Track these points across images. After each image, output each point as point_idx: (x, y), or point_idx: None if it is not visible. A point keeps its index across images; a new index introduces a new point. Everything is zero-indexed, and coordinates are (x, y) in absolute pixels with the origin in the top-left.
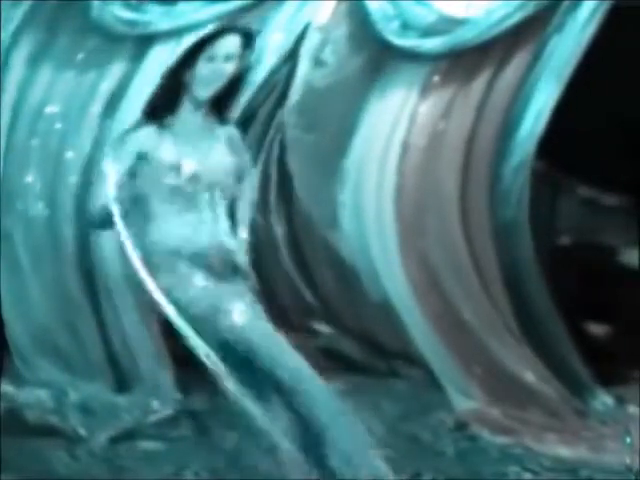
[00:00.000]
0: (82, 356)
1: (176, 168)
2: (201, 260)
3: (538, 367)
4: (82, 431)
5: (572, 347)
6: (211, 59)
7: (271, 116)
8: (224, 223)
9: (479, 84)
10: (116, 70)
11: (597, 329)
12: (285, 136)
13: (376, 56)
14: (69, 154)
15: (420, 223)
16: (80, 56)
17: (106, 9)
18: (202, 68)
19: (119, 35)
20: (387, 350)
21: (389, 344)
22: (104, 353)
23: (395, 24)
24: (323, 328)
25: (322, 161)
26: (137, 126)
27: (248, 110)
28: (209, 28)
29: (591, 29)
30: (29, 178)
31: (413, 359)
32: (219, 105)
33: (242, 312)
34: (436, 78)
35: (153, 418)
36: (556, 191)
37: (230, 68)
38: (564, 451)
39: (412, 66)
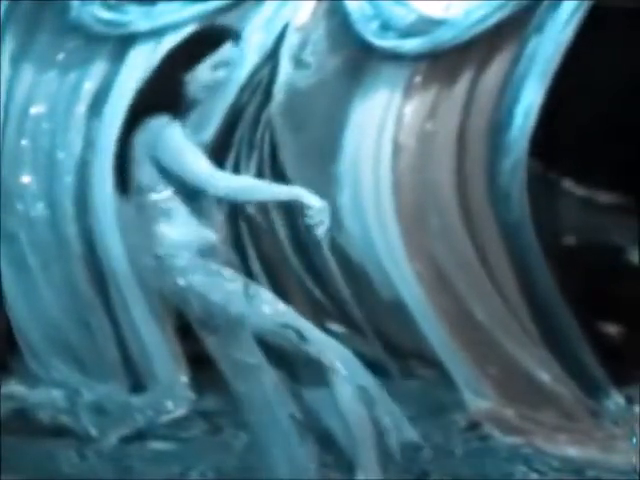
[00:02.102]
0: (96, 356)
1: None
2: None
3: (553, 367)
4: (93, 431)
5: (586, 346)
6: (215, 67)
7: (258, 115)
8: None
9: (462, 84)
10: (98, 70)
11: (601, 329)
12: (275, 135)
13: (357, 57)
14: (61, 154)
15: (422, 221)
16: (61, 56)
17: (85, 9)
18: (204, 74)
19: (99, 35)
20: (400, 349)
21: (402, 343)
22: (118, 353)
23: (374, 24)
24: (335, 328)
25: (314, 161)
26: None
27: (234, 109)
28: (189, 28)
29: (571, 29)
30: (25, 179)
31: (426, 359)
32: None
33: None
34: (418, 79)
35: (166, 418)
36: (556, 191)
37: (224, 73)
38: (573, 452)
39: (393, 67)
